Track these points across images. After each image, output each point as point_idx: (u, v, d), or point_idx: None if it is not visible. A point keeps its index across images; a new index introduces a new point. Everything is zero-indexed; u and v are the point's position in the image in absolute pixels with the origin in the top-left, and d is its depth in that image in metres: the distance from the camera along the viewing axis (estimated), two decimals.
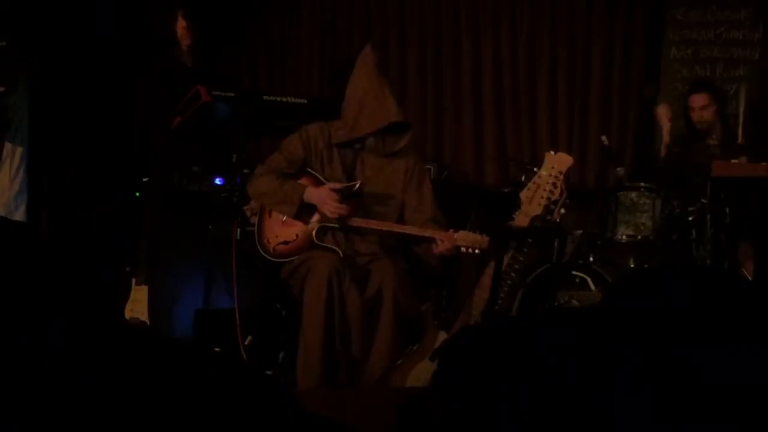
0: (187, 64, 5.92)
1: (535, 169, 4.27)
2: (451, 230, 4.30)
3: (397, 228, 4.44)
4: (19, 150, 5.34)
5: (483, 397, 1.46)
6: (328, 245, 4.43)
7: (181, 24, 5.91)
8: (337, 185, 4.44)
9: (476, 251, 4.23)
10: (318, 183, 4.51)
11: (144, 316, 5.12)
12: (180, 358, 1.41)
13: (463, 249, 4.25)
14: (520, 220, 3.92)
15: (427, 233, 4.35)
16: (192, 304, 5.40)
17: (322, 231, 4.46)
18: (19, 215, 5.35)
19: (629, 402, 1.40)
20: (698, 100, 5.87)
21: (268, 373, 4.76)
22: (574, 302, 5.25)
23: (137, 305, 5.15)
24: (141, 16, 6.59)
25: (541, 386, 1.43)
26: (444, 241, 4.27)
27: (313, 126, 4.60)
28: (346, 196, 4.42)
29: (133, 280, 5.21)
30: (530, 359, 1.49)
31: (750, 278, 5.19)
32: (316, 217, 4.47)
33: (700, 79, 6.26)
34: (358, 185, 4.46)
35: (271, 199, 4.54)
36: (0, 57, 5.11)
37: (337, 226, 4.45)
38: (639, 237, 5.50)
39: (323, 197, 4.41)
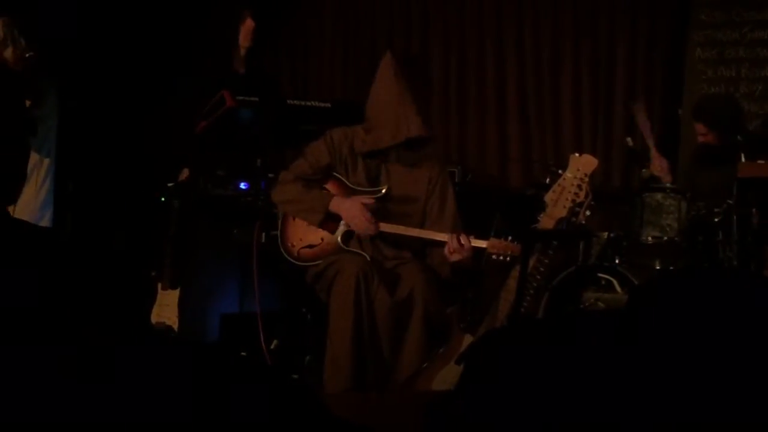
0: (239, 71, 5.89)
1: (559, 171, 4.26)
2: (465, 236, 4.28)
3: (425, 234, 4.43)
4: (46, 161, 5.37)
5: (508, 401, 1.46)
6: (354, 249, 4.43)
7: (248, 25, 5.81)
8: (369, 199, 4.41)
9: (507, 258, 4.21)
10: (344, 188, 4.51)
11: (171, 321, 5.14)
12: (204, 361, 1.42)
13: (494, 256, 4.24)
14: (545, 222, 3.92)
15: (449, 238, 4.32)
16: (221, 308, 5.42)
17: (348, 235, 4.46)
18: (45, 224, 5.38)
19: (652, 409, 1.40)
20: (697, 128, 5.82)
21: (294, 376, 4.77)
22: (600, 304, 5.24)
23: (164, 309, 5.17)
24: (206, 15, 6.60)
25: (564, 389, 1.43)
26: (456, 246, 4.25)
27: (338, 131, 4.59)
28: (375, 211, 4.40)
29: (159, 285, 5.24)
30: (555, 362, 1.49)
31: None
32: (341, 226, 4.46)
33: (699, 103, 6.10)
34: (384, 190, 4.47)
35: (295, 207, 4.53)
36: (30, 68, 5.14)
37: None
38: (665, 238, 5.47)
39: (354, 213, 4.38)
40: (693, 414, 1.38)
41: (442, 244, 4.35)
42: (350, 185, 4.51)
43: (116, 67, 6.38)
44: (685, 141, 6.54)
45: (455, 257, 4.28)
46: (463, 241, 4.25)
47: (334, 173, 4.54)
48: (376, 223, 4.38)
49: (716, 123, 5.67)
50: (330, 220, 4.47)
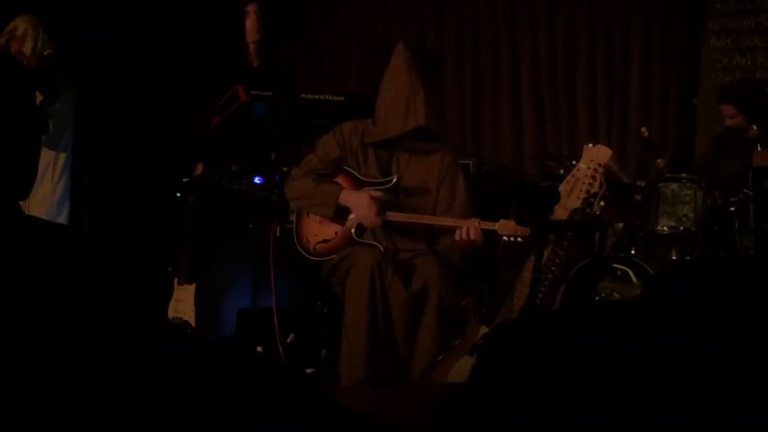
0: (253, 65, 5.90)
1: (573, 162, 4.26)
2: (475, 219, 4.28)
3: (435, 220, 4.44)
4: (62, 157, 5.39)
5: (520, 392, 1.46)
6: (368, 242, 4.44)
7: (252, 18, 5.85)
8: (378, 193, 4.42)
9: (518, 239, 4.20)
10: (355, 181, 4.51)
11: (187, 316, 5.16)
12: (217, 356, 1.42)
13: (505, 237, 4.24)
14: (560, 213, 3.92)
15: (460, 223, 4.32)
16: (238, 303, 5.43)
17: (361, 228, 4.46)
18: (62, 221, 5.40)
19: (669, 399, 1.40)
20: (725, 110, 5.78)
21: (310, 370, 4.78)
22: (616, 295, 5.23)
23: (181, 305, 5.19)
24: (213, 13, 6.63)
25: (578, 379, 1.43)
26: (467, 230, 4.25)
27: (347, 125, 4.60)
28: (383, 203, 4.41)
29: (176, 280, 5.25)
30: (568, 353, 1.49)
31: None
32: (352, 216, 4.47)
33: (728, 86, 6.09)
34: (394, 180, 4.47)
35: (307, 202, 4.55)
36: (47, 65, 5.16)
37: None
38: (681, 228, 5.45)
39: (361, 206, 4.40)
40: (705, 408, 1.38)
41: (451, 229, 4.35)
42: (361, 177, 4.51)
43: (131, 64, 6.40)
44: (702, 130, 6.52)
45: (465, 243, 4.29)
46: (474, 227, 4.26)
47: (345, 167, 4.55)
48: (381, 217, 4.38)
49: (746, 101, 5.66)
50: (342, 214, 4.47)
